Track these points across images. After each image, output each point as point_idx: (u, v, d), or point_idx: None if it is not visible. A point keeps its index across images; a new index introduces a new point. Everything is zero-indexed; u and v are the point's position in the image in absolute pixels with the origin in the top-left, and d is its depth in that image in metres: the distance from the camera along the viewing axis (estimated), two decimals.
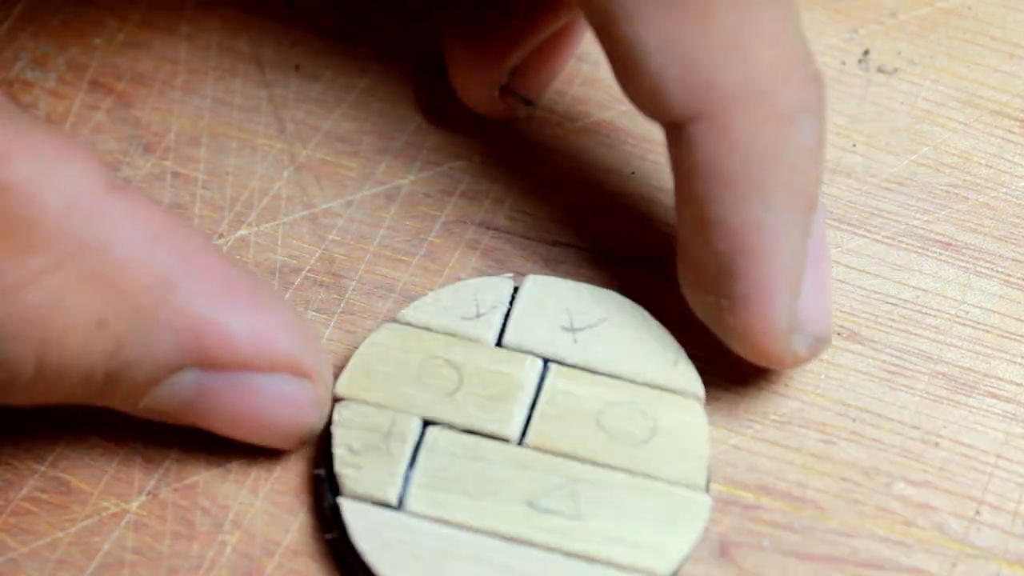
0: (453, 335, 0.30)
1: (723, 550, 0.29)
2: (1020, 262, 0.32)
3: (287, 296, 0.32)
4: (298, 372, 0.28)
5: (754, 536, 0.29)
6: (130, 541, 0.29)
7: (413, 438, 0.29)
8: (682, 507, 0.28)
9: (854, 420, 0.30)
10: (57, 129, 0.27)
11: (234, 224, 0.32)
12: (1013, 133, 0.34)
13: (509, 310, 0.30)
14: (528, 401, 0.29)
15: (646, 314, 0.30)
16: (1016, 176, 0.33)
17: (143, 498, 0.29)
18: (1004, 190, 0.33)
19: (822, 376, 0.31)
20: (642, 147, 0.33)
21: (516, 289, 0.31)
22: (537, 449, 0.29)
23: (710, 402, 0.30)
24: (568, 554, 0.28)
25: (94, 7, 0.35)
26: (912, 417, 0.30)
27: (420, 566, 0.28)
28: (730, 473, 0.30)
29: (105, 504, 0.29)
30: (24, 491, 0.29)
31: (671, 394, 0.29)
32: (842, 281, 0.32)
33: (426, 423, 0.29)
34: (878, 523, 0.29)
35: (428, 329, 0.30)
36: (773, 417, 0.30)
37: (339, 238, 0.32)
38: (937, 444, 0.30)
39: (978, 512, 0.29)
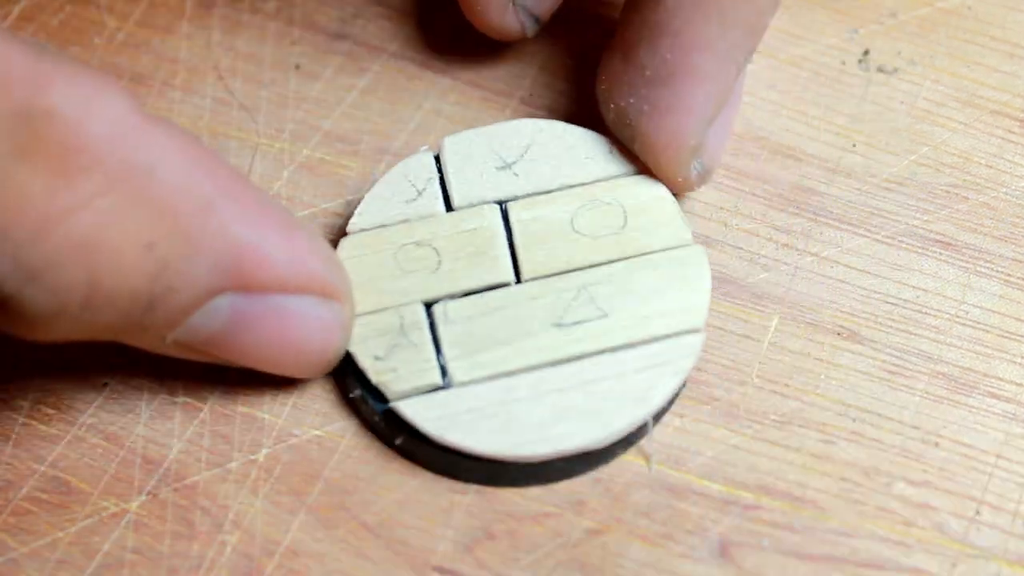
0: (407, 220, 0.31)
1: (723, 550, 0.29)
2: (1020, 262, 0.32)
3: None
4: (327, 293, 0.28)
5: (754, 536, 0.29)
6: (130, 541, 0.29)
7: (425, 322, 0.30)
8: (685, 264, 0.30)
9: (854, 420, 0.30)
10: (86, 63, 0.27)
11: None
12: (1013, 133, 0.34)
13: (442, 176, 0.31)
14: (505, 243, 0.31)
15: (563, 124, 0.32)
16: (1016, 176, 0.33)
17: (143, 498, 0.29)
18: (1004, 190, 0.33)
19: (822, 376, 0.31)
20: None
21: (438, 157, 0.32)
22: (537, 278, 0.30)
23: (710, 402, 0.30)
24: (613, 349, 0.29)
25: (94, 7, 0.35)
26: (912, 417, 0.30)
27: (493, 424, 0.29)
28: (730, 473, 0.30)
29: (105, 504, 0.29)
30: (24, 491, 0.30)
31: (622, 178, 0.31)
32: (842, 281, 0.32)
33: (428, 304, 0.30)
34: (878, 523, 0.29)
35: (383, 225, 0.31)
36: (773, 417, 0.30)
37: (339, 238, 0.32)
38: (937, 444, 0.30)
39: (978, 512, 0.29)
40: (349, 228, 0.31)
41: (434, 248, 0.30)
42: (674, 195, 0.31)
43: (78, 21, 0.35)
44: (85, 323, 0.27)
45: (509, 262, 0.30)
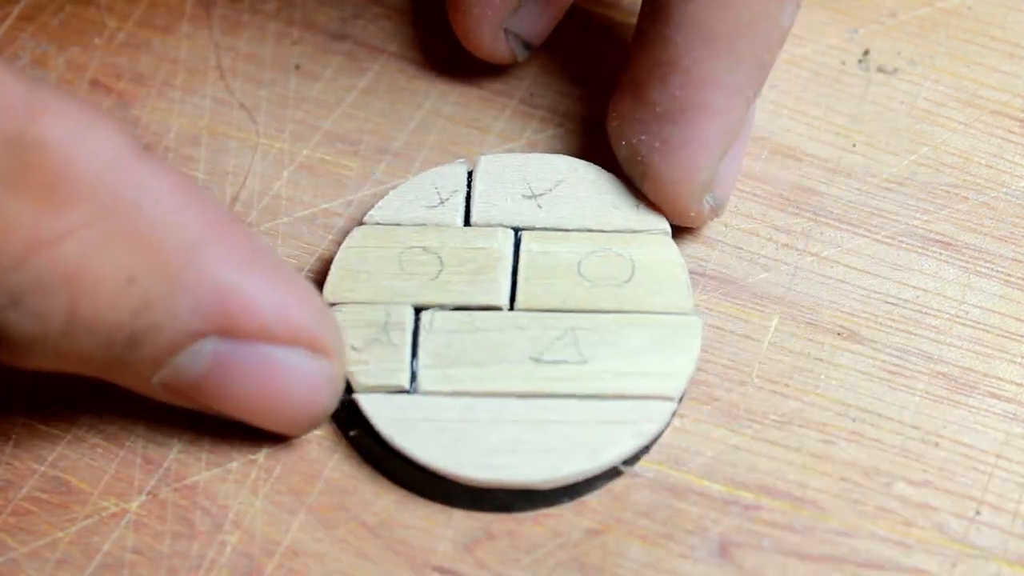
0: (423, 224, 0.31)
1: (723, 550, 0.29)
2: (1020, 262, 0.32)
3: None
4: (317, 348, 0.28)
5: (754, 536, 0.29)
6: (130, 541, 0.29)
7: (410, 325, 0.30)
8: (677, 332, 0.30)
9: (854, 420, 0.30)
10: (82, 97, 0.27)
11: None
12: (1013, 133, 0.34)
13: (469, 191, 0.32)
14: (509, 268, 0.31)
15: (598, 169, 0.32)
16: (1016, 176, 0.33)
17: (143, 498, 0.29)
18: (1004, 190, 0.33)
19: (822, 376, 0.31)
20: None
21: (471, 173, 0.32)
22: (529, 310, 0.30)
23: (710, 402, 0.30)
24: (582, 397, 0.29)
25: (94, 7, 0.35)
26: (912, 417, 0.30)
27: (444, 438, 0.29)
28: (730, 473, 0.30)
29: (105, 504, 0.29)
30: (24, 491, 0.29)
31: (640, 234, 0.31)
32: (842, 281, 0.32)
33: (418, 309, 0.30)
34: (878, 523, 0.29)
35: (398, 224, 0.31)
36: (773, 417, 0.30)
37: (339, 238, 0.32)
38: (937, 444, 0.30)
39: (978, 512, 0.29)
40: (366, 219, 0.31)
41: (439, 257, 0.31)
42: (687, 228, 0.32)
43: (78, 21, 0.35)
44: (67, 352, 0.27)
45: (507, 288, 0.30)
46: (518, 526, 0.29)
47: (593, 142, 0.33)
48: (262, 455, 0.30)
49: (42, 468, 0.30)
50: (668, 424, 0.30)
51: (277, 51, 0.35)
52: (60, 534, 0.29)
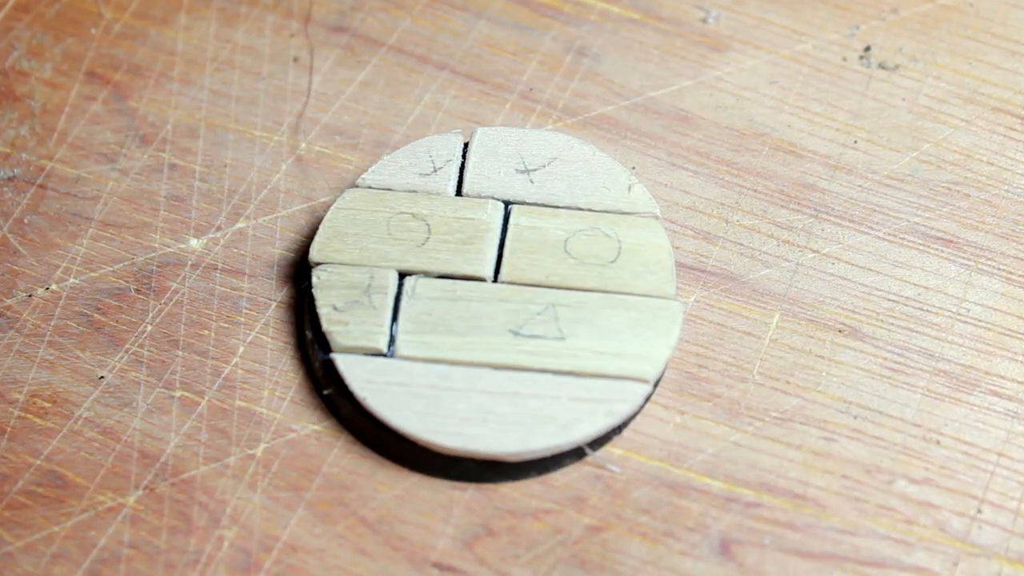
0: (414, 191, 0.31)
1: (724, 548, 0.29)
2: (1022, 259, 0.32)
3: (284, 290, 0.31)
4: None
5: (755, 534, 0.29)
6: (127, 536, 0.29)
7: (393, 289, 0.30)
8: (657, 316, 0.30)
9: (855, 417, 0.30)
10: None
11: (232, 217, 0.32)
12: (1014, 130, 0.34)
13: (463, 162, 0.32)
14: (496, 241, 0.31)
15: (594, 148, 0.32)
16: (1018, 173, 0.33)
17: (140, 492, 0.29)
18: (1006, 187, 0.33)
19: (823, 373, 0.31)
20: (643, 141, 0.33)
21: (467, 144, 0.32)
22: (512, 283, 0.30)
23: (711, 399, 0.30)
24: (557, 372, 0.29)
25: None
26: (913, 415, 0.30)
27: (417, 404, 0.29)
28: (731, 470, 0.30)
29: (101, 498, 0.29)
30: (19, 484, 0.29)
31: (630, 216, 0.31)
32: (843, 278, 0.32)
33: (402, 275, 0.30)
34: (879, 521, 0.29)
35: (389, 189, 0.31)
36: (774, 414, 0.30)
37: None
38: (938, 442, 0.30)
39: (979, 510, 0.29)
40: (358, 182, 0.31)
41: (428, 224, 0.31)
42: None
43: (74, 12, 0.35)
44: None
45: (493, 260, 0.31)
46: (518, 522, 0.29)
47: (592, 136, 0.33)
48: (260, 450, 0.30)
49: (38, 462, 0.30)
50: (641, 407, 0.30)
51: (275, 43, 0.35)
52: (56, 528, 0.29)
